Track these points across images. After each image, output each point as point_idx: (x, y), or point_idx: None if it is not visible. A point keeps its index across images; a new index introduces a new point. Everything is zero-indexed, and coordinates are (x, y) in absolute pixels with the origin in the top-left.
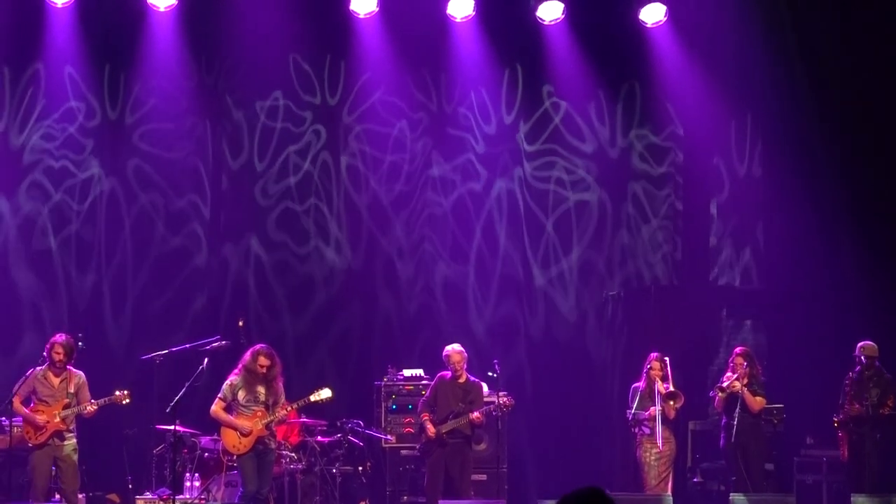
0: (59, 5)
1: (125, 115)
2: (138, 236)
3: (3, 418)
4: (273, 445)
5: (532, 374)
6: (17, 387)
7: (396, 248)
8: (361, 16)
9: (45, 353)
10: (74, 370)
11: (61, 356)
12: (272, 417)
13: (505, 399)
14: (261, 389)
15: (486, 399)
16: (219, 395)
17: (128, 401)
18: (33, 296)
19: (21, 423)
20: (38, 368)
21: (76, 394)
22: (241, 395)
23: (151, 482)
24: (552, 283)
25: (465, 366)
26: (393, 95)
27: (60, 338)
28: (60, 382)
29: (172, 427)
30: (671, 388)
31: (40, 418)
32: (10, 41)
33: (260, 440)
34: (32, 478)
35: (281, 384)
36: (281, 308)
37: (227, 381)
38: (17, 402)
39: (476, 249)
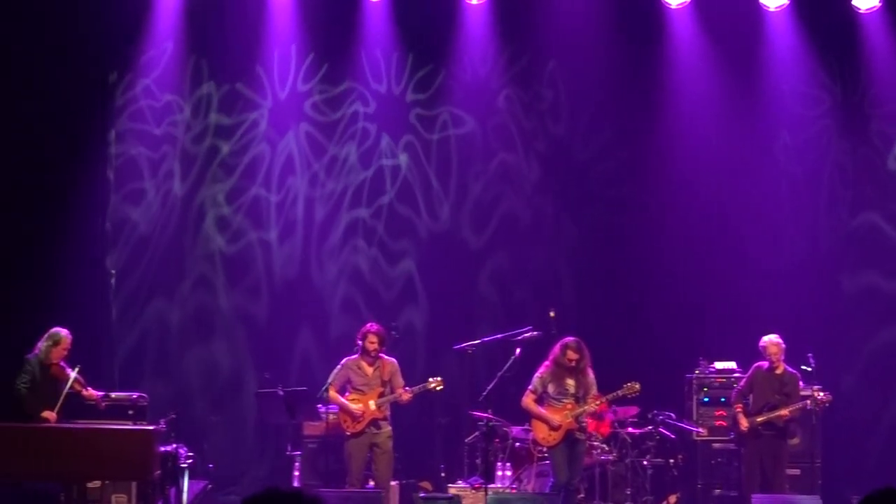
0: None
1: (404, 94)
2: (448, 222)
3: (320, 406)
4: (583, 437)
5: (847, 367)
6: (332, 377)
7: (705, 240)
8: (673, 6)
9: (357, 343)
10: (386, 357)
11: (375, 345)
12: (581, 409)
13: (822, 395)
14: (570, 382)
15: (801, 394)
16: (529, 388)
17: (440, 388)
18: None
19: (336, 411)
20: (351, 358)
21: (390, 381)
22: (550, 387)
23: (463, 471)
24: (864, 275)
25: (783, 357)
26: (705, 85)
27: (373, 327)
28: (374, 371)
29: (485, 416)
30: None
31: (357, 408)
32: (328, 32)
33: (570, 432)
34: (349, 465)
35: (591, 375)
36: (591, 300)
37: (538, 374)
38: (332, 391)
39: (789, 240)
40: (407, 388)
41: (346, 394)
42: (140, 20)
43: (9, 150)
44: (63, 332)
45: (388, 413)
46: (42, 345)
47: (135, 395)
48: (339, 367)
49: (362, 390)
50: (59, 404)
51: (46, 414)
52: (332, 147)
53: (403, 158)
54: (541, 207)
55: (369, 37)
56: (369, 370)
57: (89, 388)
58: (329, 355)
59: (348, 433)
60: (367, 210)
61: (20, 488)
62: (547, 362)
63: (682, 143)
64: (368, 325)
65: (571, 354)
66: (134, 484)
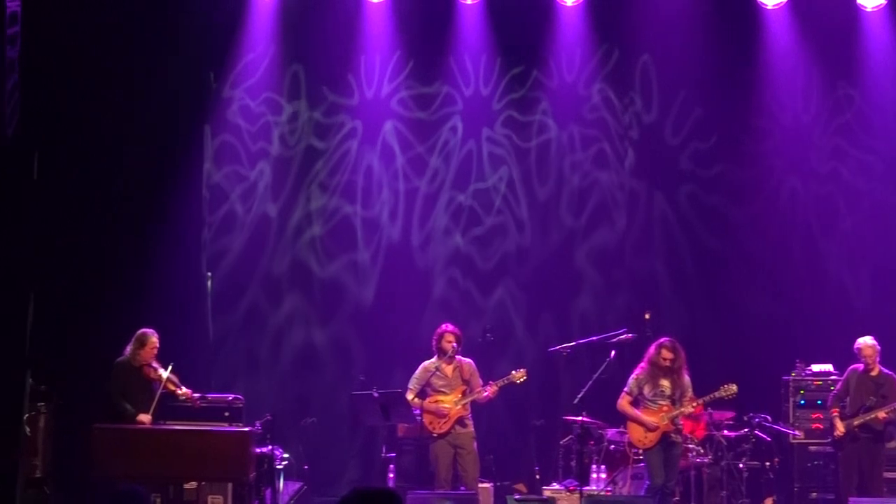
0: (469, 2)
1: (494, 94)
2: (540, 224)
3: (416, 408)
4: (679, 439)
5: None
6: (412, 381)
7: (801, 241)
8: (769, 7)
9: (434, 345)
10: (463, 358)
11: (453, 343)
12: (677, 411)
13: None
14: (665, 383)
15: None
16: (625, 390)
17: (524, 379)
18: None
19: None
20: (429, 361)
21: (469, 380)
22: (646, 389)
23: (558, 473)
24: None
25: (878, 359)
26: (802, 82)
27: (449, 327)
28: (454, 371)
29: (579, 419)
30: None
31: (444, 406)
32: (422, 35)
33: (666, 434)
34: (435, 467)
35: (687, 377)
36: (688, 300)
37: (633, 376)
38: (412, 396)
39: (886, 239)
40: (491, 381)
41: (428, 396)
42: (236, 25)
43: (101, 155)
44: (149, 332)
45: (469, 412)
46: (129, 348)
47: (230, 396)
48: (418, 370)
49: (444, 391)
50: (153, 406)
51: (141, 417)
52: (428, 156)
53: (499, 174)
54: (635, 202)
55: (463, 39)
56: (449, 370)
57: (184, 387)
58: (424, 358)
59: (434, 434)
60: (463, 210)
61: (115, 488)
62: (642, 364)
63: (776, 143)
64: (444, 325)
65: (666, 354)
66: (230, 485)
